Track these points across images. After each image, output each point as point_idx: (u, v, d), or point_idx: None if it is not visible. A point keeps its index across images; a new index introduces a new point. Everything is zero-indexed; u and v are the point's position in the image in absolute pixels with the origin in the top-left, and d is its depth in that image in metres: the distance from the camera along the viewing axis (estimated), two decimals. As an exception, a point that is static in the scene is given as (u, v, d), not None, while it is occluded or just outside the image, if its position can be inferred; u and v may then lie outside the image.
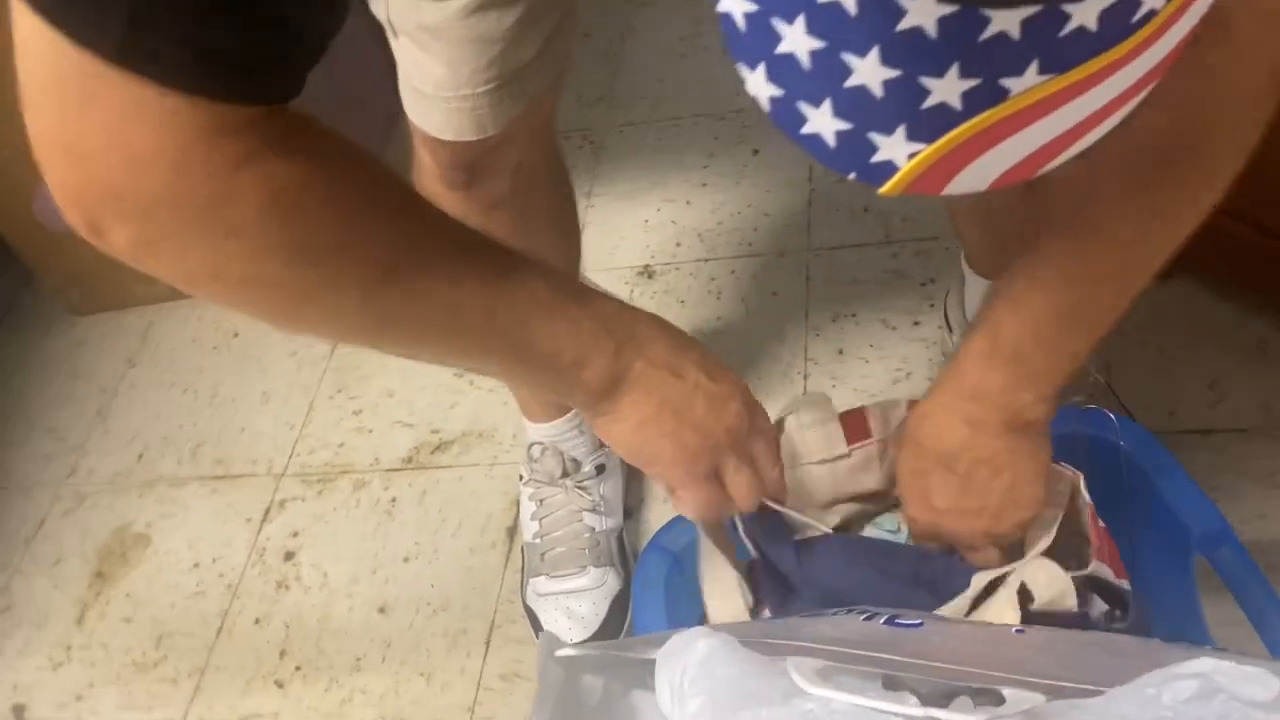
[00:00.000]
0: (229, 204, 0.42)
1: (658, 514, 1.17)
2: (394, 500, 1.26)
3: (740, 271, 1.36)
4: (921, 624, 0.58)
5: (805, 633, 0.58)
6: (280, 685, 1.13)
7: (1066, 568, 0.65)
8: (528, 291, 0.54)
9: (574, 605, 1.07)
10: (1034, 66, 0.31)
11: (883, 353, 1.23)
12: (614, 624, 1.06)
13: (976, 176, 0.36)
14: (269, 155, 0.42)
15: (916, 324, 1.24)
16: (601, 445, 1.13)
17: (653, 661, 0.57)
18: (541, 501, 1.11)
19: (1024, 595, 0.60)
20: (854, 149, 0.35)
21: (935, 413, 0.67)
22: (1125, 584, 0.67)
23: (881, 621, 0.58)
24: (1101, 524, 0.70)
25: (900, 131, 0.34)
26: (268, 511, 1.30)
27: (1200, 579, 0.78)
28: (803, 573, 0.70)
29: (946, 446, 0.66)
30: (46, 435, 1.47)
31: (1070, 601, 0.60)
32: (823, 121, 0.35)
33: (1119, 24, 0.31)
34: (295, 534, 1.26)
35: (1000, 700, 0.43)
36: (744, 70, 0.36)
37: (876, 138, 0.34)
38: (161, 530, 1.32)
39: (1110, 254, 0.59)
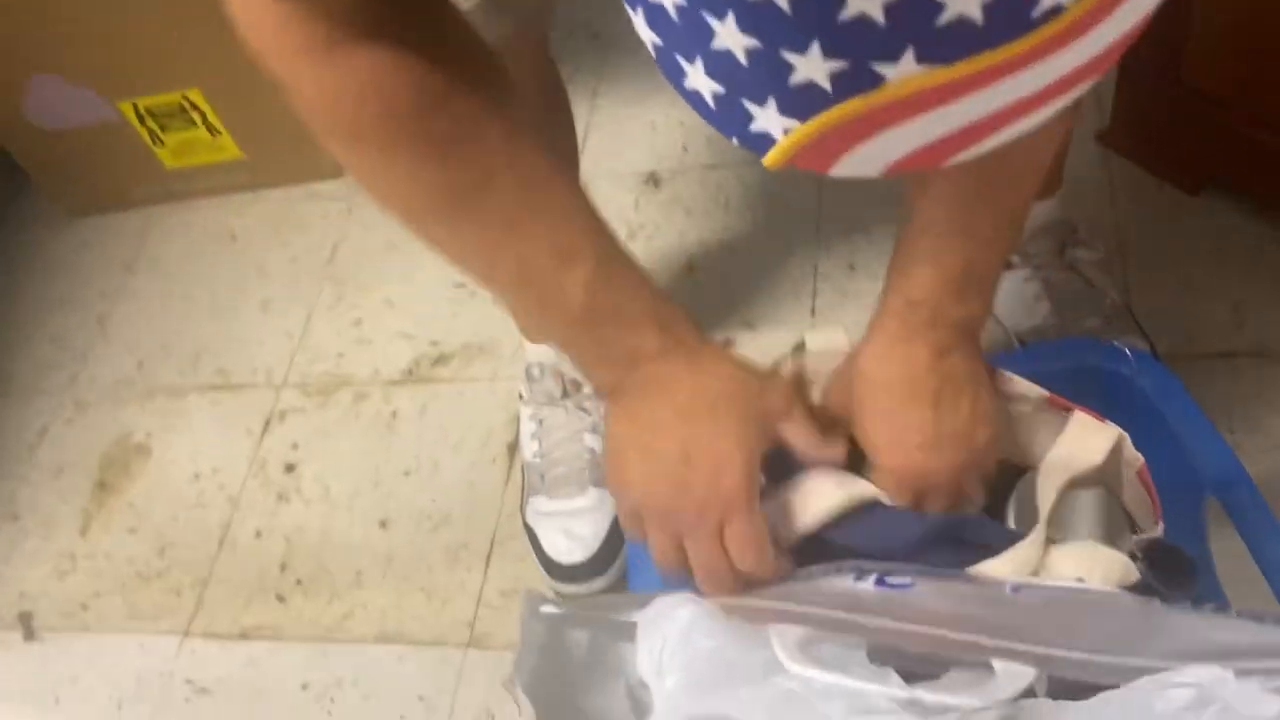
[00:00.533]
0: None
1: (660, 432, 1.15)
2: (394, 413, 1.25)
3: (749, 180, 1.32)
4: (912, 584, 0.56)
5: (792, 593, 0.56)
6: (281, 599, 1.14)
7: (1120, 537, 0.62)
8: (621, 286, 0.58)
9: (574, 526, 1.06)
10: (909, 54, 0.29)
11: (863, 261, 1.19)
12: (613, 544, 1.05)
13: (866, 161, 0.34)
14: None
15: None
16: (603, 364, 1.11)
17: (626, 600, 0.56)
18: (541, 422, 1.09)
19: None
20: (731, 114, 0.34)
21: (890, 347, 0.63)
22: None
23: (871, 581, 0.56)
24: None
25: (772, 104, 0.32)
26: (268, 423, 1.29)
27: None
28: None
29: (912, 375, 0.62)
30: (48, 342, 1.46)
31: (1132, 577, 0.56)
32: (699, 79, 0.34)
33: (1014, 19, 0.28)
34: (295, 446, 1.25)
35: (991, 673, 0.42)
36: (629, 9, 0.34)
37: (750, 106, 0.33)
38: (162, 441, 1.31)
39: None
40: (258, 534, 1.19)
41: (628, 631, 0.56)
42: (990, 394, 0.64)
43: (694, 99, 0.35)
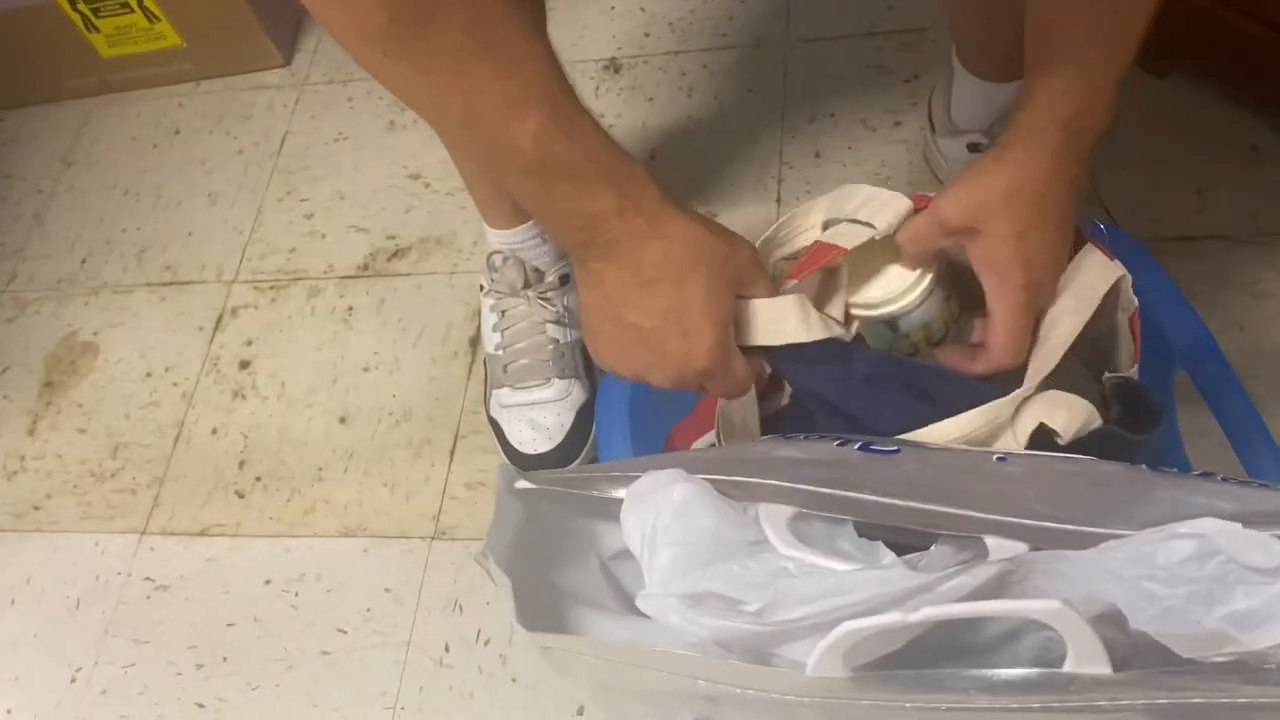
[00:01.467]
0: None
1: (624, 323, 1.13)
2: (350, 309, 1.22)
3: (713, 66, 1.28)
4: (898, 451, 0.55)
5: (778, 461, 0.55)
6: (241, 495, 1.12)
7: (1097, 374, 0.62)
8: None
9: (538, 416, 1.05)
10: None
11: (861, 155, 1.17)
12: (579, 435, 1.04)
13: None
14: None
15: (898, 124, 1.17)
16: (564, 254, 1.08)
17: (619, 501, 0.55)
18: (503, 313, 1.07)
19: (1044, 435, 0.57)
20: None
21: (1040, 167, 0.59)
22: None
23: (856, 447, 0.56)
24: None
25: None
26: (220, 319, 1.25)
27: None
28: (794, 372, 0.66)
29: (1056, 195, 0.59)
30: (-18, 239, 1.40)
31: (1096, 422, 0.56)
32: None
33: None
34: (249, 342, 1.22)
35: (983, 551, 0.41)
36: None
37: None
38: (110, 339, 1.27)
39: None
40: (214, 431, 1.17)
41: (602, 507, 0.55)
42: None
43: None
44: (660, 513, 0.49)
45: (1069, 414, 0.54)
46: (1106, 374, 0.62)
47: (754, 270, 0.60)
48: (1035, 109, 0.59)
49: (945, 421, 0.57)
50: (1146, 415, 0.58)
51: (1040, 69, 0.60)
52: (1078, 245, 0.64)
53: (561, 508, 0.57)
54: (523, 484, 0.56)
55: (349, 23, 0.52)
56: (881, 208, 0.62)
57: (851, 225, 0.63)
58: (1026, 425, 0.55)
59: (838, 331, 0.62)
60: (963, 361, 0.63)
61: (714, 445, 0.71)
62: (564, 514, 0.57)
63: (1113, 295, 0.62)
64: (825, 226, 0.65)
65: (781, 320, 0.60)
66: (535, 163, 0.54)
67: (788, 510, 0.49)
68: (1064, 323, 0.60)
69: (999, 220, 0.59)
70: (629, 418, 0.79)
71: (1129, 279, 0.62)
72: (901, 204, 0.62)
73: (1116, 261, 0.62)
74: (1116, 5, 0.58)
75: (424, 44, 0.51)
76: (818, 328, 0.61)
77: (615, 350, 0.60)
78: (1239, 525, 0.34)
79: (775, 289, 0.61)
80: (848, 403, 0.62)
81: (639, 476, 0.54)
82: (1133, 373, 0.62)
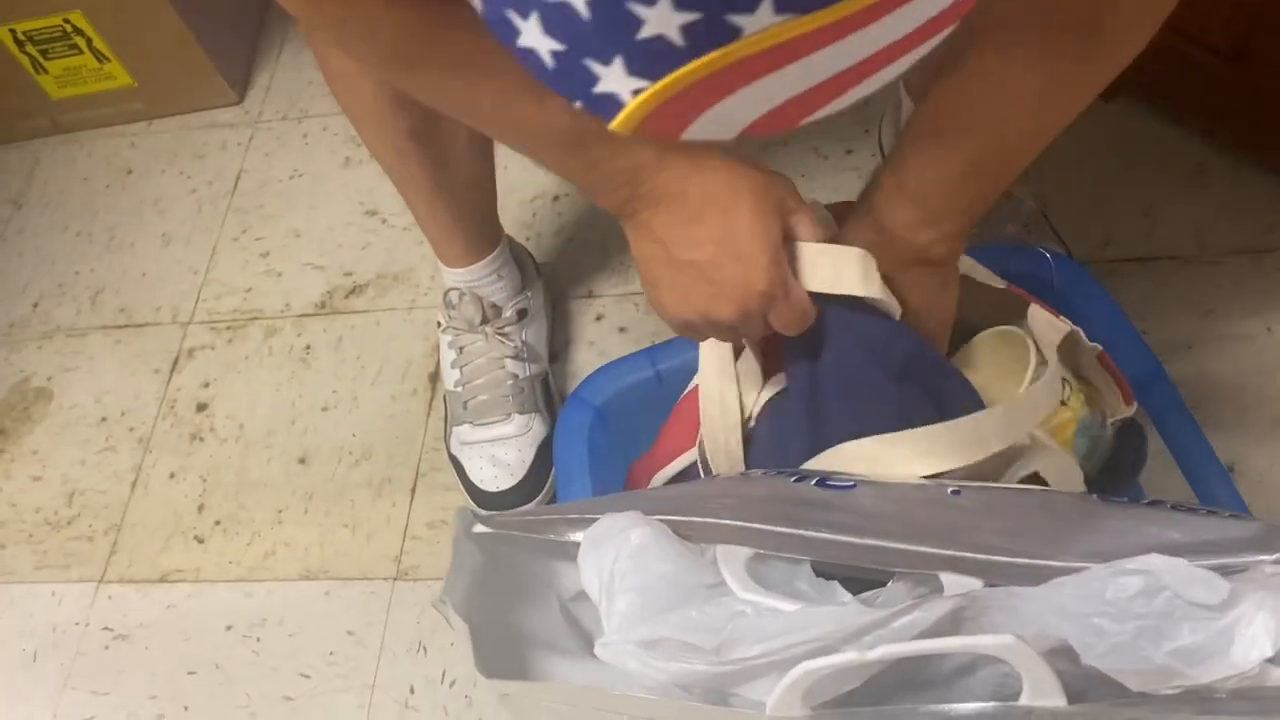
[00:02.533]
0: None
1: (585, 356, 1.13)
2: (308, 347, 1.21)
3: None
4: (854, 485, 0.55)
5: (737, 498, 0.55)
6: (200, 540, 1.10)
7: (1099, 423, 0.63)
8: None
9: (499, 453, 1.04)
10: (767, 3, 0.26)
11: (814, 182, 1.18)
12: (541, 470, 1.04)
13: (722, 122, 0.32)
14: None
15: (849, 152, 1.19)
16: (523, 289, 1.08)
17: (568, 521, 0.55)
18: (461, 349, 1.06)
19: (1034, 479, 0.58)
20: (573, 74, 0.30)
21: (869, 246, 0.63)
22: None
23: (813, 483, 0.56)
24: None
25: (618, 63, 0.29)
26: (176, 361, 1.24)
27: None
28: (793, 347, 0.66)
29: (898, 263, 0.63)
30: (-69, 285, 1.38)
31: (1080, 488, 0.57)
32: (535, 37, 0.30)
33: None
34: (206, 384, 1.21)
35: (938, 586, 0.41)
36: None
37: (594, 66, 0.29)
38: (64, 383, 1.26)
39: (1017, 107, 0.58)
40: (172, 475, 1.15)
41: (563, 550, 0.54)
42: (948, 321, 0.66)
43: (530, 60, 0.31)
44: (618, 557, 0.49)
45: (1060, 471, 0.55)
46: (1110, 419, 0.62)
47: (795, 199, 0.61)
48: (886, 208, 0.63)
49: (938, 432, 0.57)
50: (1140, 454, 0.59)
51: (905, 172, 0.63)
52: (1020, 306, 0.65)
53: (521, 550, 0.57)
54: (480, 528, 0.56)
55: (372, 48, 0.55)
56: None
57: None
58: (1017, 474, 0.56)
59: (894, 304, 0.62)
60: None
61: (682, 475, 0.71)
62: (523, 556, 0.57)
63: (1073, 346, 0.63)
64: None
65: (842, 268, 0.61)
66: (572, 134, 0.56)
67: (745, 551, 0.49)
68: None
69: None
70: (587, 453, 0.79)
71: (1080, 332, 0.63)
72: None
73: (1062, 318, 0.63)
74: (1003, 141, 0.60)
75: (444, 52, 0.54)
76: (876, 286, 0.61)
77: (677, 294, 0.61)
78: (1184, 561, 0.34)
79: (815, 222, 0.61)
80: (859, 385, 0.61)
81: (597, 519, 0.54)
82: (1130, 411, 0.63)
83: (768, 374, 0.67)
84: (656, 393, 0.82)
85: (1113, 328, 0.75)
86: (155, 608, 1.07)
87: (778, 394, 0.65)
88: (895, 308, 0.62)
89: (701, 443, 0.67)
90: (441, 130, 0.89)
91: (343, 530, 1.08)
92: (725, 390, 0.66)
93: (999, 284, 0.68)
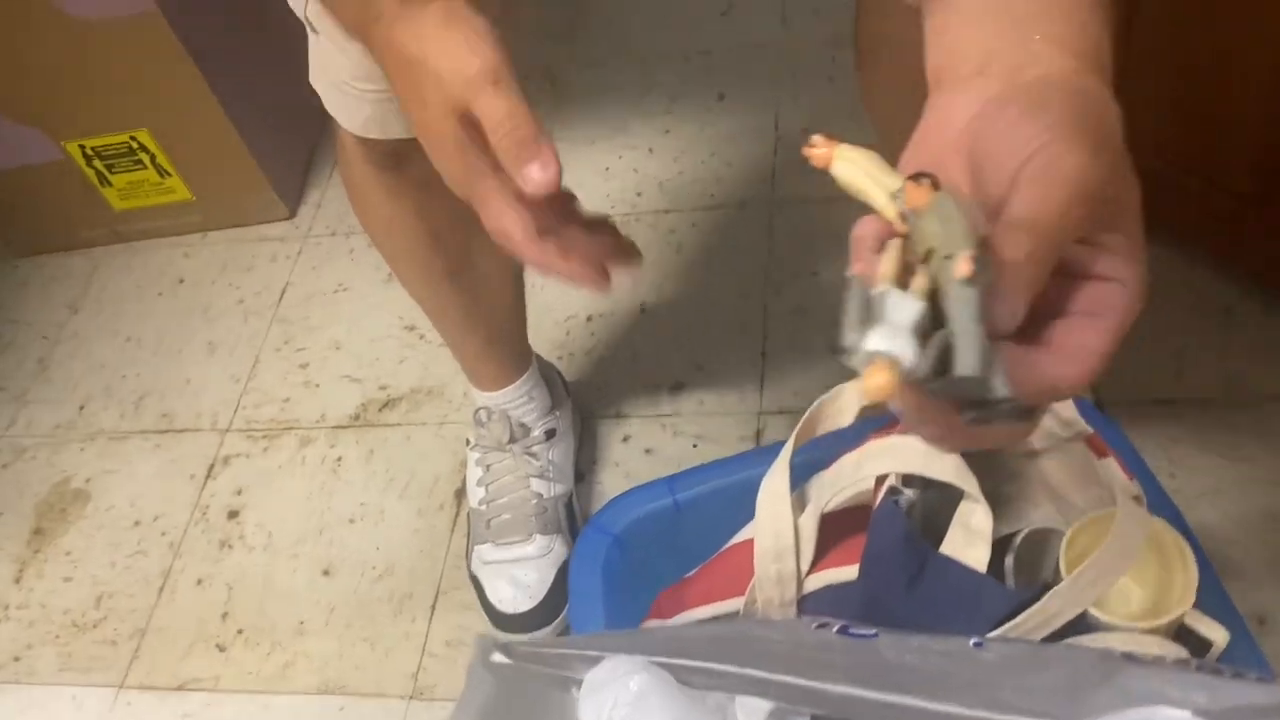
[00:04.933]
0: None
1: (610, 478, 1.14)
2: (340, 459, 1.23)
3: (701, 224, 1.32)
4: (876, 635, 0.55)
5: (755, 643, 0.55)
6: (222, 649, 1.11)
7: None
8: None
9: (519, 574, 1.04)
10: None
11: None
12: (560, 592, 1.04)
13: None
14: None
15: (879, 284, 1.20)
16: (552, 409, 1.10)
17: (579, 658, 0.55)
18: (488, 467, 1.08)
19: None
20: None
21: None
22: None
23: (835, 630, 0.56)
24: None
25: None
26: (211, 468, 1.26)
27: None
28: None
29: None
30: (-14, 384, 1.43)
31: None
32: None
33: None
34: (239, 492, 1.23)
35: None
36: None
37: None
38: (102, 486, 1.28)
39: None
40: (199, 582, 1.17)
41: (576, 684, 0.54)
42: None
43: None
44: (617, 704, 0.49)
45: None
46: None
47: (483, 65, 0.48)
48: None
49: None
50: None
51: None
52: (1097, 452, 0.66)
53: (535, 682, 0.57)
54: (498, 657, 0.56)
55: None
56: None
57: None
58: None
59: (974, 486, 0.62)
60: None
61: (718, 620, 0.71)
62: (537, 688, 0.57)
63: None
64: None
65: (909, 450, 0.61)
66: None
67: (765, 706, 0.49)
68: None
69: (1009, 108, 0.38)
70: (602, 582, 0.79)
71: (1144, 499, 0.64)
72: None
73: (1135, 481, 0.64)
74: None
75: None
76: (950, 469, 0.61)
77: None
78: (1189, 713, 0.34)
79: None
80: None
81: (602, 658, 0.54)
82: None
83: (827, 544, 0.67)
84: (674, 522, 0.83)
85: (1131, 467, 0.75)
86: (171, 717, 1.07)
87: (842, 584, 0.65)
88: (975, 490, 0.62)
89: (752, 598, 0.68)
90: (476, 268, 0.92)
91: (362, 644, 1.08)
92: (783, 554, 0.66)
93: (1081, 428, 0.68)
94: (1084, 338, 0.39)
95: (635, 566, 0.82)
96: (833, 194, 1.38)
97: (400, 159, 0.79)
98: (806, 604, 0.70)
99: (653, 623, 0.80)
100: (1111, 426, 0.77)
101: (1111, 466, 0.69)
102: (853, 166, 0.42)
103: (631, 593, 0.80)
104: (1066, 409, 0.72)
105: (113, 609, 1.17)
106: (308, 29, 0.72)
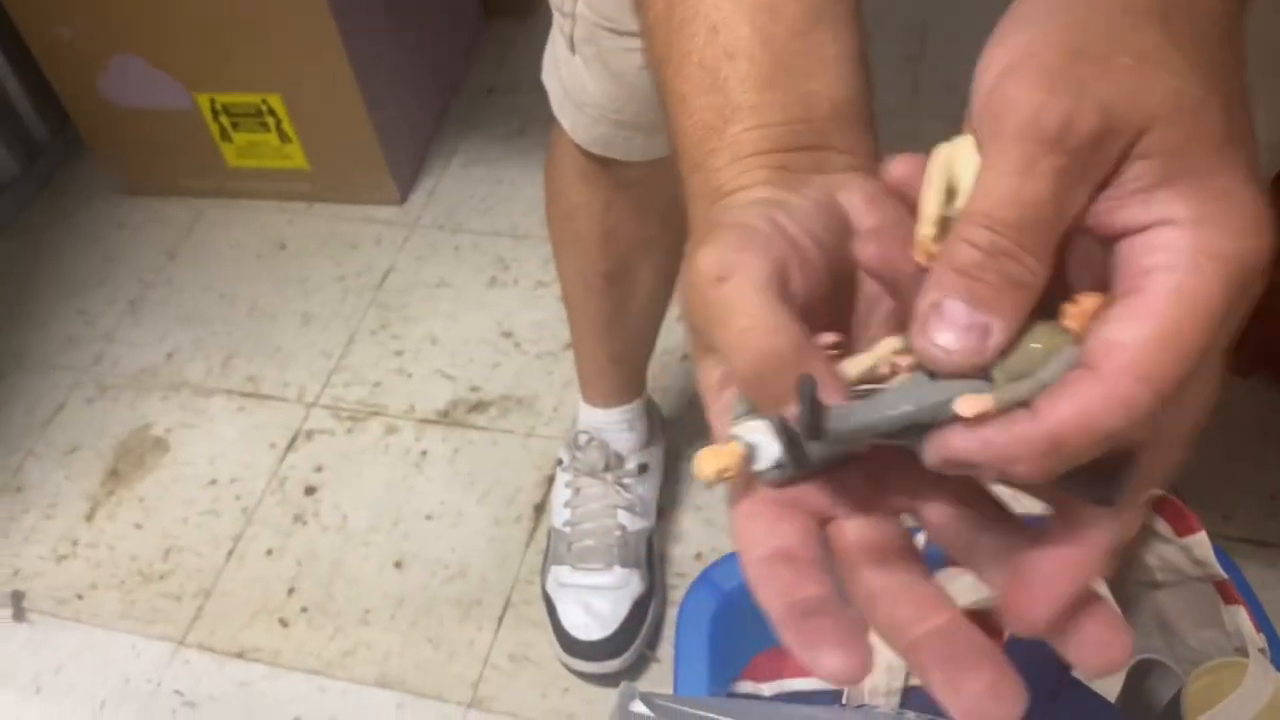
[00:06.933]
0: None
1: (689, 520, 1.15)
2: (424, 453, 1.24)
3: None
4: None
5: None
6: (284, 624, 1.12)
7: None
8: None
9: (594, 601, 1.05)
10: None
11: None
12: (632, 627, 1.05)
13: None
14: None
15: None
16: (648, 444, 1.11)
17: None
18: (578, 490, 1.09)
19: None
20: None
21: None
22: None
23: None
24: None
25: None
26: (294, 440, 1.27)
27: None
28: None
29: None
30: (75, 316, 1.44)
31: None
32: None
33: None
34: (319, 469, 1.24)
35: None
36: None
37: None
38: (182, 439, 1.29)
39: None
40: (269, 552, 1.17)
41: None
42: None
43: None
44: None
45: None
46: None
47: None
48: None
49: None
50: None
51: None
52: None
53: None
54: (638, 708, 0.57)
55: None
56: None
57: None
58: None
59: None
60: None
61: (815, 693, 0.72)
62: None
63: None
64: None
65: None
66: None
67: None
68: None
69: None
70: (707, 639, 0.80)
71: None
72: None
73: (1262, 634, 0.64)
74: None
75: None
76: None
77: None
78: None
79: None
80: None
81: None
82: None
83: None
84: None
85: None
86: (228, 682, 1.08)
87: None
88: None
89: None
90: (633, 277, 0.93)
91: (425, 644, 1.09)
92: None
93: (1215, 572, 0.69)
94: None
95: (740, 624, 0.83)
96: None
97: (609, 163, 0.80)
98: (912, 697, 0.71)
99: (745, 684, 0.80)
100: (1239, 574, 0.78)
101: (1240, 615, 0.70)
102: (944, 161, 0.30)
103: (735, 649, 0.81)
104: (1201, 549, 0.72)
105: (180, 564, 1.18)
106: (565, 46, 0.72)
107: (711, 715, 0.56)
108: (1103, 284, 0.28)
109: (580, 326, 1.02)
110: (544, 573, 1.10)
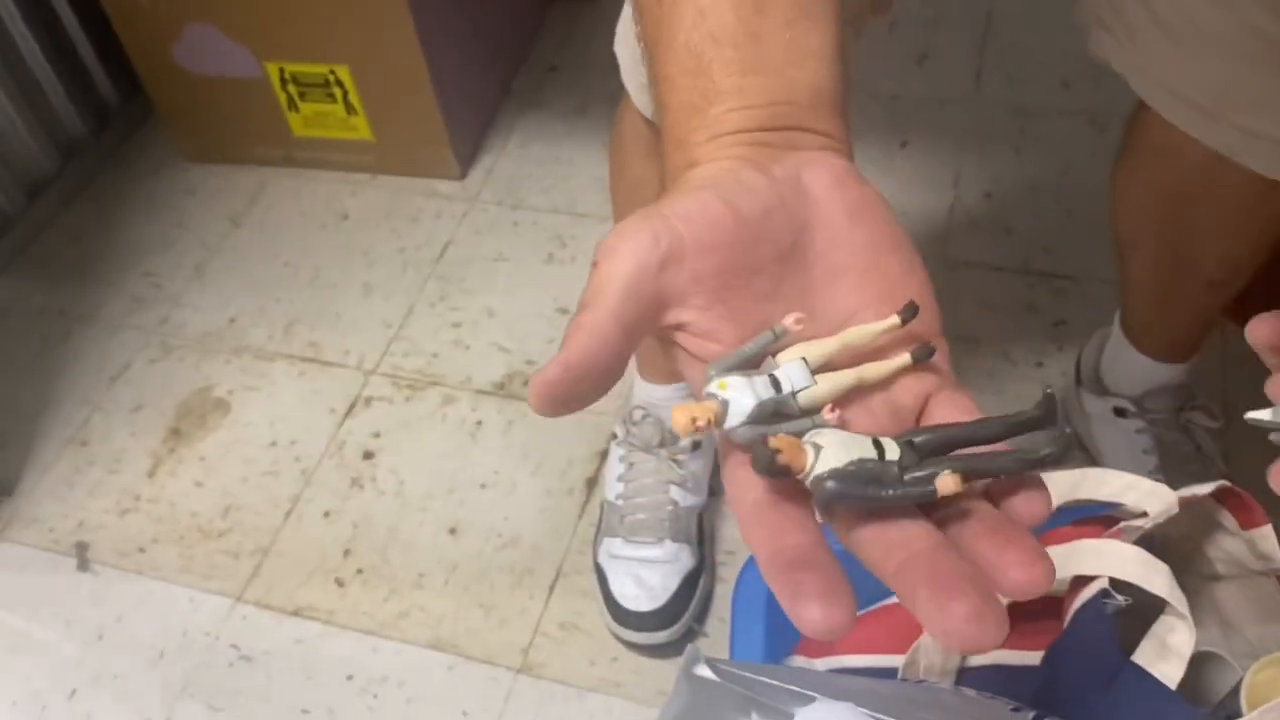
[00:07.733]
0: None
1: (741, 498, 1.15)
2: (479, 423, 1.25)
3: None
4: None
5: (949, 718, 0.57)
6: (340, 584, 1.14)
7: None
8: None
9: (645, 574, 1.06)
10: None
11: (998, 385, 1.20)
12: (682, 600, 1.06)
13: None
14: None
15: (1040, 364, 1.21)
16: (704, 421, 1.12)
17: (788, 692, 0.56)
18: (631, 465, 1.10)
19: None
20: None
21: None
22: None
23: (1031, 716, 0.57)
24: None
25: None
26: (353, 406, 1.29)
27: None
28: None
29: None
30: (142, 279, 1.47)
31: None
32: None
33: None
34: (377, 435, 1.26)
35: None
36: None
37: None
38: (243, 400, 1.32)
39: None
40: (326, 514, 1.20)
41: (777, 715, 0.56)
42: None
43: None
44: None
45: None
46: None
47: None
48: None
49: None
50: None
51: None
52: None
53: (729, 703, 0.58)
54: (703, 671, 0.58)
55: None
56: (1146, 496, 0.65)
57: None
58: None
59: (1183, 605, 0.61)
60: None
61: (868, 669, 0.73)
62: (729, 712, 0.59)
63: None
64: None
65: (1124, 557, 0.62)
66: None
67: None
68: None
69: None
70: (766, 607, 0.81)
71: None
72: (1168, 496, 0.64)
73: None
74: None
75: None
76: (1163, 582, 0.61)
77: None
78: None
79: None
80: None
81: (814, 697, 0.55)
82: None
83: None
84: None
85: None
86: (284, 639, 1.10)
87: (1015, 667, 0.67)
88: (1184, 608, 0.61)
89: (913, 660, 0.69)
90: None
91: (477, 609, 1.10)
92: None
93: (1277, 566, 0.69)
94: None
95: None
96: (1004, 265, 1.41)
97: None
98: (967, 677, 0.72)
99: (798, 659, 0.81)
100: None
101: None
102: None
103: (789, 625, 0.82)
104: (1266, 542, 0.72)
105: (239, 522, 1.20)
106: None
107: (774, 681, 0.57)
108: None
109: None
110: (596, 544, 1.11)
